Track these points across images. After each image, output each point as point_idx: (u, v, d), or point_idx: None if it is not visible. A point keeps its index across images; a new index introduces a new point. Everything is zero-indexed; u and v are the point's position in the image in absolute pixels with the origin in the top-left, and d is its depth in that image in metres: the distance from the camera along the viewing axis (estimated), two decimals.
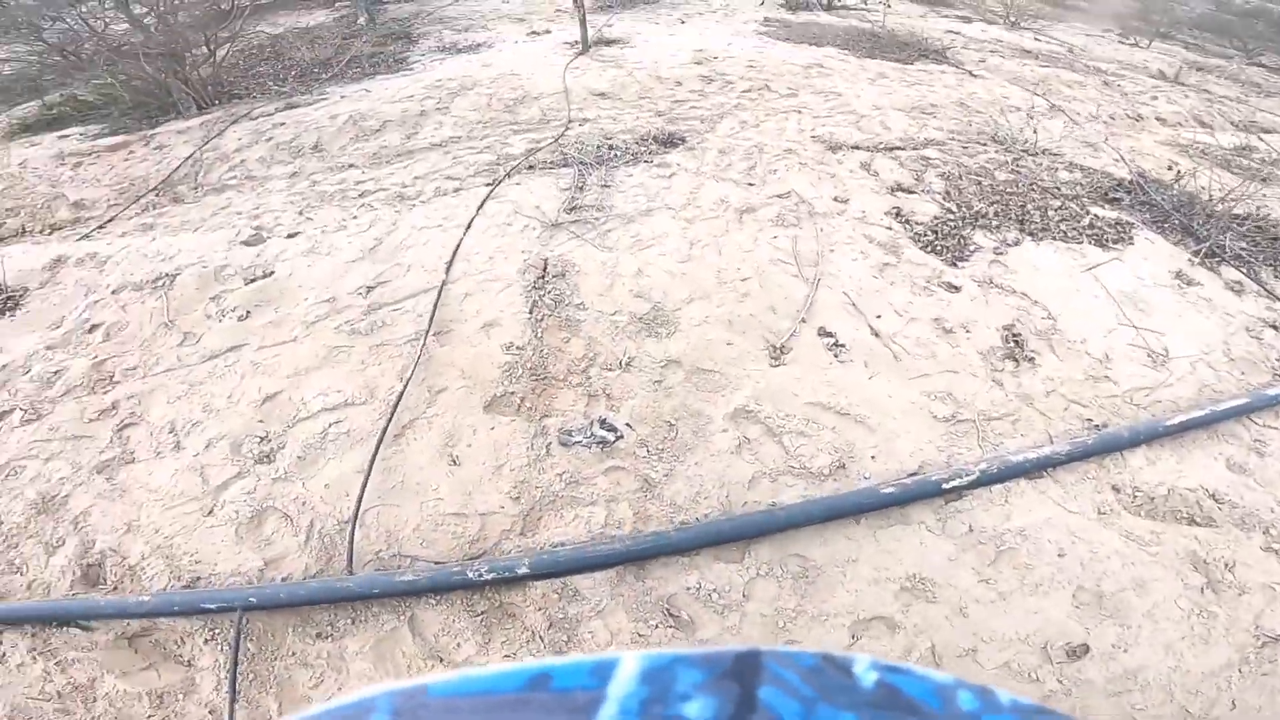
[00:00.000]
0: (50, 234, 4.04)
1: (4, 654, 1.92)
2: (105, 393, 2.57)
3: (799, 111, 4.73)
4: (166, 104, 5.16)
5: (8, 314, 3.11)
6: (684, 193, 3.56)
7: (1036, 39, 8.31)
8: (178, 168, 4.37)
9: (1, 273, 3.33)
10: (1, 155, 4.72)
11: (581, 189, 3.65)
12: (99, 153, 4.64)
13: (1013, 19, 9.05)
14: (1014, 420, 2.52)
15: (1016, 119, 4.78)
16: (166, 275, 3.11)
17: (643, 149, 4.17)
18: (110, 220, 3.99)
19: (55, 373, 2.69)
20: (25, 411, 2.52)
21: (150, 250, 3.35)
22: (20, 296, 3.20)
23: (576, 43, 6.52)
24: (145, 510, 2.16)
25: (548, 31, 7.38)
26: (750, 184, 3.67)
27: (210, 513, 2.14)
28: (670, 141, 4.28)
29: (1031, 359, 2.82)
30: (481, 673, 0.26)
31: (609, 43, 6.67)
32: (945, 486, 2.18)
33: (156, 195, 4.19)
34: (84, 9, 5.78)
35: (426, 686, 0.26)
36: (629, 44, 6.67)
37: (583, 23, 6.35)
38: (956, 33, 7.90)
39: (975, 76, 5.90)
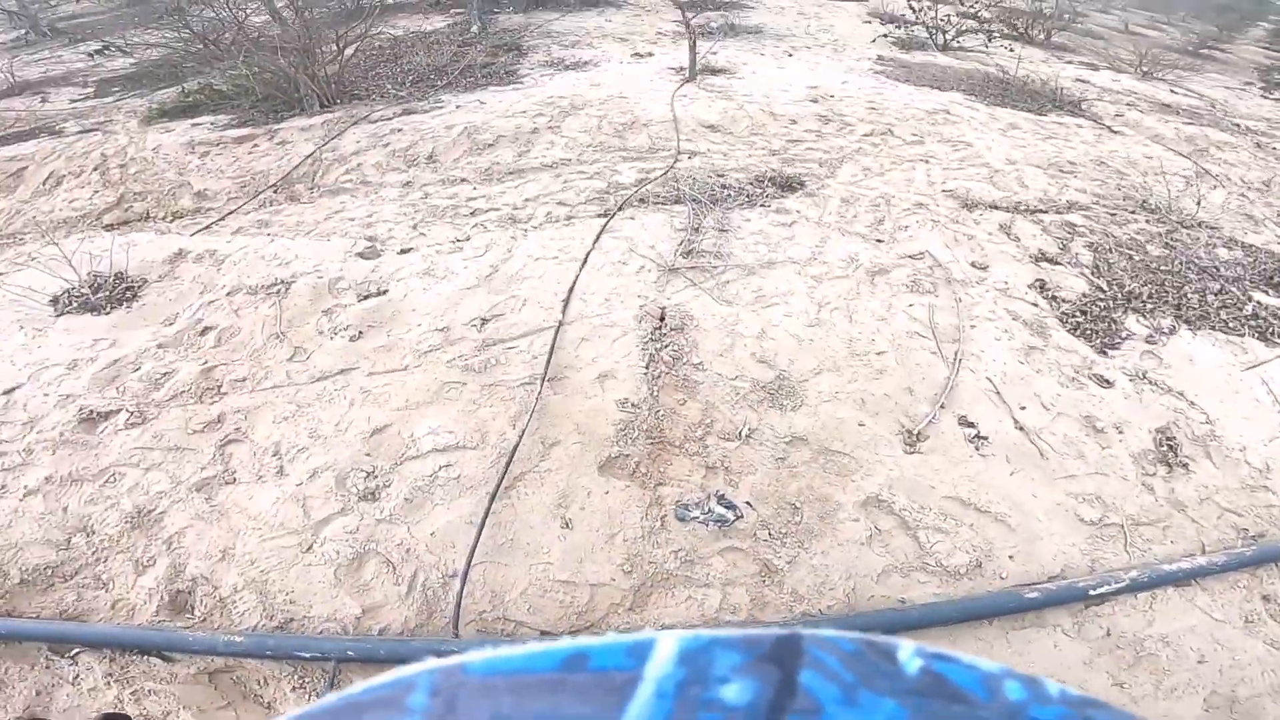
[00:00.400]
0: (173, 221, 4.15)
1: (77, 675, 1.87)
2: (212, 403, 2.54)
3: (926, 161, 4.45)
4: (293, 99, 5.30)
5: (125, 305, 3.15)
6: (808, 245, 3.35)
7: (1173, 91, 7.74)
8: (297, 166, 4.45)
9: (126, 260, 3.41)
10: (139, 139, 4.93)
11: (697, 230, 3.50)
12: (226, 144, 4.78)
13: (1145, 68, 8.47)
14: (1164, 527, 2.33)
15: (1172, 183, 4.37)
16: (281, 282, 3.10)
17: (758, 191, 3.98)
18: (229, 214, 4.08)
19: (164, 374, 2.68)
20: (131, 414, 2.50)
21: (267, 253, 3.37)
22: (139, 288, 3.25)
23: (682, 69, 6.42)
24: (242, 538, 2.09)
25: (650, 54, 7.32)
26: (879, 240, 3.43)
27: (309, 549, 2.05)
28: (788, 185, 4.08)
29: (1186, 465, 2.58)
30: (519, 652, 0.26)
31: (715, 71, 6.52)
32: (1092, 593, 2.05)
33: (274, 192, 4.27)
34: None
35: (464, 665, 0.26)
36: (736, 74, 6.51)
37: (692, 49, 6.23)
38: (1086, 81, 7.42)
39: (1115, 132, 5.48)
